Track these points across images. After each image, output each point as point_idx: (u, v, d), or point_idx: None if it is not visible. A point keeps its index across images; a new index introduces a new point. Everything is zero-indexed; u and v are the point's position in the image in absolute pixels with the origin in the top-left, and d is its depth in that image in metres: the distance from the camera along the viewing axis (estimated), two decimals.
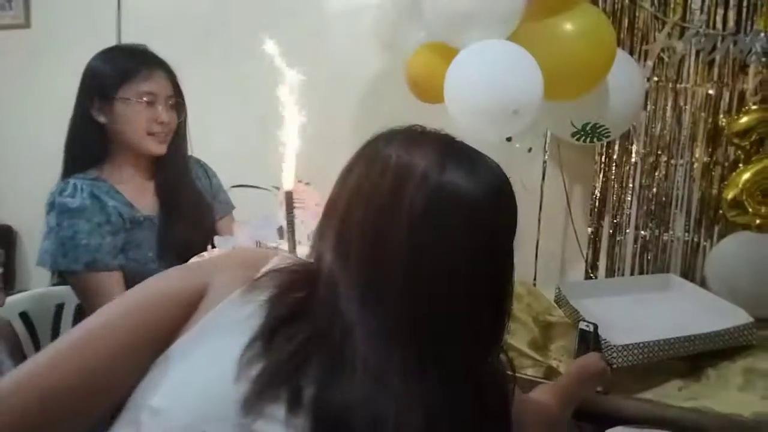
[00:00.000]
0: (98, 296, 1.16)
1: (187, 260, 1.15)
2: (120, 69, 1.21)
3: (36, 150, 2.33)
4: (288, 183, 1.02)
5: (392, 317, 0.55)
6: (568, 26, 1.18)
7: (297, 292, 0.58)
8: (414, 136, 0.62)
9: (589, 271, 1.62)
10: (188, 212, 1.28)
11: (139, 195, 1.27)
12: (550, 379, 1.21)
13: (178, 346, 0.57)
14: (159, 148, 1.25)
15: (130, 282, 1.21)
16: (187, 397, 0.54)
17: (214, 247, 1.09)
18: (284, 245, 1.06)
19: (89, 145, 1.24)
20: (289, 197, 1.02)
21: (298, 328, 0.55)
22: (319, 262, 0.59)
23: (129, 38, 2.24)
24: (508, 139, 1.30)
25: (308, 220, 1.10)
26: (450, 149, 0.60)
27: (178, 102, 1.28)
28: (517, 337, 1.24)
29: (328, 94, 1.94)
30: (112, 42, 2.26)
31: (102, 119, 1.22)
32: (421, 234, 0.56)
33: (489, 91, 1.13)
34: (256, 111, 2.14)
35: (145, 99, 1.21)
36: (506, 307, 0.63)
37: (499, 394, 0.62)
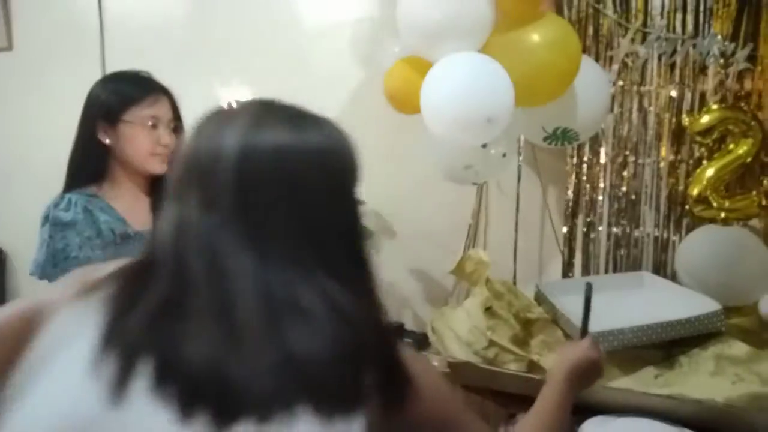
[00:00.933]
0: None
1: None
2: (127, 94, 1.28)
3: (25, 171, 2.35)
4: None
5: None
6: (535, 37, 1.24)
7: (133, 279, 0.60)
8: (229, 111, 0.65)
9: (566, 268, 1.68)
10: None
11: (134, 211, 1.31)
12: (533, 373, 1.27)
13: (21, 375, 0.57)
14: (161, 168, 1.31)
15: None
16: (40, 421, 0.54)
17: None
18: None
19: (92, 163, 1.29)
20: None
21: (143, 309, 0.56)
22: (157, 243, 0.61)
23: (112, 59, 2.28)
24: (484, 146, 1.36)
25: None
26: (266, 112, 0.64)
27: (177, 125, 1.34)
28: (499, 333, 1.29)
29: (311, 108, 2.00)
30: (96, 62, 2.29)
31: (107, 140, 1.27)
32: (258, 192, 0.59)
33: (463, 102, 1.18)
34: None
35: (149, 123, 1.27)
36: (362, 245, 0.65)
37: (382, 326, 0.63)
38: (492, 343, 1.28)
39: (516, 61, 1.23)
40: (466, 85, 1.19)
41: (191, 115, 1.90)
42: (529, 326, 1.36)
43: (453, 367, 1.29)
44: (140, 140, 1.27)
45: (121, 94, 1.28)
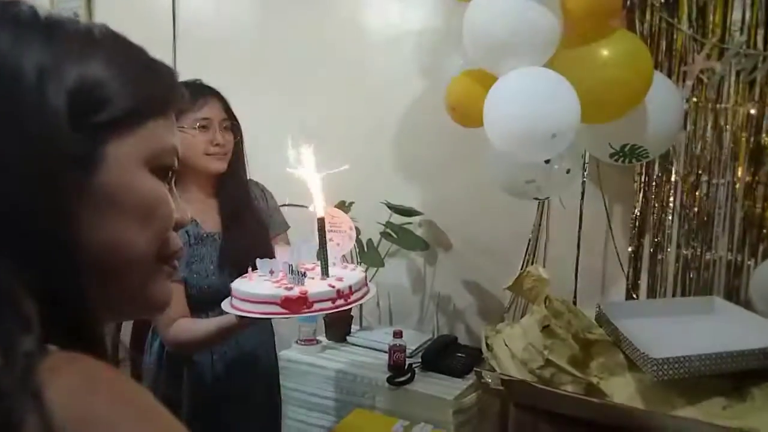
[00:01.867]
0: None
1: (244, 273, 1.22)
2: None
3: None
4: (319, 210, 1.09)
5: None
6: (605, 53, 1.21)
7: None
8: None
9: (630, 289, 1.62)
10: (248, 230, 1.35)
11: (204, 214, 1.36)
12: (591, 396, 1.23)
13: None
14: (219, 165, 1.34)
15: (191, 292, 1.30)
16: None
17: (255, 269, 1.15)
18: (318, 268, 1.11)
19: None
20: (320, 223, 1.09)
21: None
22: None
23: (184, 66, 2.39)
24: (547, 161, 1.34)
25: (343, 242, 1.15)
26: None
27: (232, 124, 1.37)
28: (557, 353, 1.25)
29: (370, 119, 2.02)
30: None
31: None
32: None
33: (528, 117, 1.17)
34: (303, 133, 2.23)
35: (198, 125, 1.30)
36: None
37: None
38: (548, 363, 1.25)
39: (583, 77, 1.21)
40: (531, 100, 1.18)
41: (257, 121, 1.97)
42: (589, 348, 1.32)
43: (506, 385, 1.27)
44: (193, 143, 1.30)
45: None
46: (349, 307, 1.09)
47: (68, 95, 0.39)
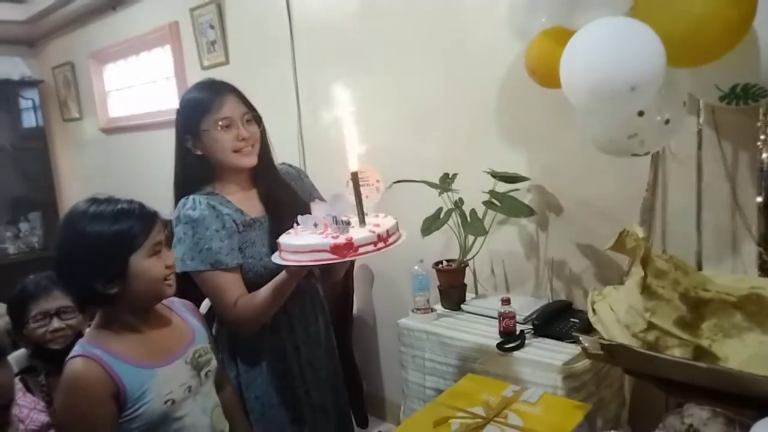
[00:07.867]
0: (223, 291, 1.36)
1: None
2: (196, 106, 1.40)
3: None
4: (353, 165, 1.20)
5: None
6: None
7: None
8: None
9: (762, 246, 1.46)
10: (288, 210, 1.41)
11: (246, 202, 1.46)
12: (701, 360, 1.15)
13: None
14: (249, 161, 1.42)
15: (249, 276, 1.40)
16: None
17: (298, 224, 1.27)
18: (354, 218, 1.22)
19: (194, 173, 1.43)
20: (355, 177, 1.21)
21: None
22: None
23: (302, 58, 2.58)
24: (640, 114, 1.25)
25: (371, 195, 1.23)
26: None
27: (254, 116, 1.44)
28: (660, 316, 1.19)
29: (470, 90, 2.02)
30: (288, 69, 2.62)
31: (198, 152, 1.41)
32: None
33: (602, 69, 1.11)
34: (408, 112, 2.30)
35: (220, 124, 1.38)
36: None
37: None
38: (651, 326, 1.19)
39: (668, 20, 1.11)
40: (605, 51, 1.11)
41: (365, 96, 2.08)
42: (701, 308, 1.23)
43: (607, 350, 1.23)
44: (220, 143, 1.38)
45: (192, 106, 1.41)
46: (388, 248, 1.18)
47: None
